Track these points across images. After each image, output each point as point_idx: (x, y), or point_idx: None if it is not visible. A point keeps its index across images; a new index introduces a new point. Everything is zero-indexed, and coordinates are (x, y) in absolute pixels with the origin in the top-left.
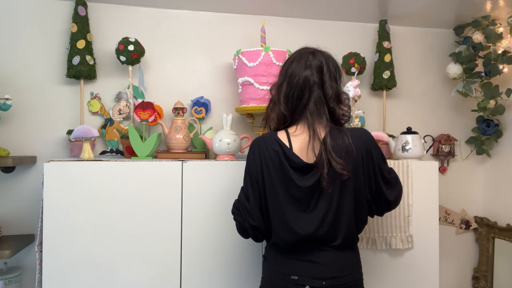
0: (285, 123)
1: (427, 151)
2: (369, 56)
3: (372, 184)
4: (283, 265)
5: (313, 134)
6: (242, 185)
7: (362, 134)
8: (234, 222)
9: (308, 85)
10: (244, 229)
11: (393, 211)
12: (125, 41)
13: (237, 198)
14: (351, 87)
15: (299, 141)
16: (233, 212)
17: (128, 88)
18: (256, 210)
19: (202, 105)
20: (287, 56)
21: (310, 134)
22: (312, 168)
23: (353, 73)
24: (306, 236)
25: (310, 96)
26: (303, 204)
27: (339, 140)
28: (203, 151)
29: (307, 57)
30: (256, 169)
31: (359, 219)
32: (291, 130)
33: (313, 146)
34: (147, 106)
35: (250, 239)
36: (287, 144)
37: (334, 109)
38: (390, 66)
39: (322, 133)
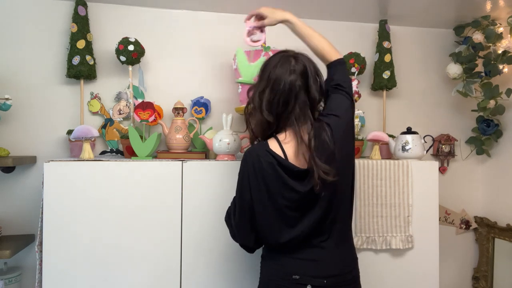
0: (271, 130)
1: (427, 151)
2: (369, 56)
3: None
4: (284, 265)
5: (301, 141)
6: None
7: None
8: None
9: (294, 90)
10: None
11: (393, 211)
12: (125, 41)
13: (230, 205)
14: None
15: (291, 148)
16: (226, 220)
17: (128, 88)
18: (241, 228)
19: (202, 105)
20: None
21: (298, 141)
22: (308, 172)
23: (353, 73)
24: (304, 236)
25: (296, 101)
26: (302, 208)
27: (322, 136)
28: (203, 151)
29: (290, 61)
30: (249, 183)
31: (351, 211)
32: (281, 137)
33: (303, 152)
34: (147, 106)
35: None
36: (280, 153)
37: (317, 109)
38: (390, 66)
39: (306, 137)
